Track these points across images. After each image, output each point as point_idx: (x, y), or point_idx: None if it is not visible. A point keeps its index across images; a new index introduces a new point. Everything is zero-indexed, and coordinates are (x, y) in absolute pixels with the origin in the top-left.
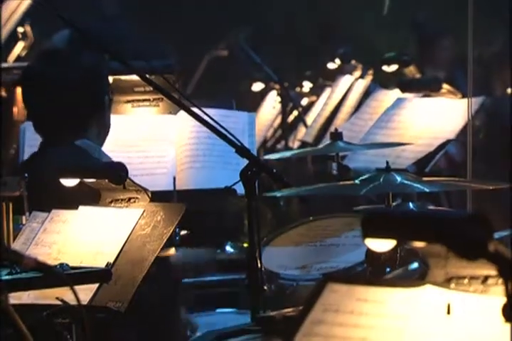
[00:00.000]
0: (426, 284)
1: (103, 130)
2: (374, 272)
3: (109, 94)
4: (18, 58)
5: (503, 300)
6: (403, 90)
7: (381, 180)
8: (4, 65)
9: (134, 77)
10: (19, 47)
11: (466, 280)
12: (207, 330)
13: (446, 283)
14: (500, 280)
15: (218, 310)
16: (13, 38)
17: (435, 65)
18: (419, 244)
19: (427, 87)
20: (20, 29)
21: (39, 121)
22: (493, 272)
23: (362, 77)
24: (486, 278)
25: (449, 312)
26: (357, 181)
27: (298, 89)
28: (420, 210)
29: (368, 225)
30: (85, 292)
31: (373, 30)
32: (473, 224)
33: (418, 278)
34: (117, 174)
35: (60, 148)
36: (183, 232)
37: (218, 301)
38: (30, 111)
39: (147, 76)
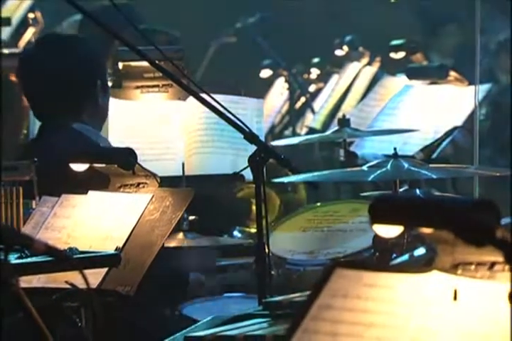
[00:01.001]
0: (433, 270)
1: (100, 115)
2: (381, 258)
3: (105, 79)
4: (29, 44)
5: (510, 286)
6: (410, 77)
7: (388, 166)
8: (15, 50)
9: (144, 63)
10: (30, 33)
11: (473, 267)
12: (214, 315)
13: (453, 269)
14: (507, 267)
15: (226, 295)
16: (23, 24)
17: (440, 52)
18: (426, 230)
19: (434, 74)
20: (30, 15)
21: (35, 104)
22: (500, 258)
23: (369, 64)
24: (492, 264)
25: (455, 298)
26: (364, 167)
27: (306, 75)
28: (427, 196)
29: (376, 211)
30: (94, 276)
31: (381, 17)
32: (481, 211)
33: (425, 264)
34: (127, 159)
35: (58, 132)
36: (191, 217)
37: (226, 286)
38: (26, 95)
39: (157, 62)
